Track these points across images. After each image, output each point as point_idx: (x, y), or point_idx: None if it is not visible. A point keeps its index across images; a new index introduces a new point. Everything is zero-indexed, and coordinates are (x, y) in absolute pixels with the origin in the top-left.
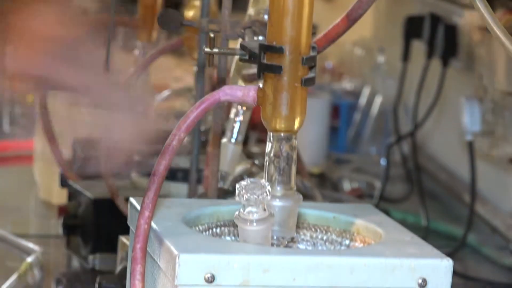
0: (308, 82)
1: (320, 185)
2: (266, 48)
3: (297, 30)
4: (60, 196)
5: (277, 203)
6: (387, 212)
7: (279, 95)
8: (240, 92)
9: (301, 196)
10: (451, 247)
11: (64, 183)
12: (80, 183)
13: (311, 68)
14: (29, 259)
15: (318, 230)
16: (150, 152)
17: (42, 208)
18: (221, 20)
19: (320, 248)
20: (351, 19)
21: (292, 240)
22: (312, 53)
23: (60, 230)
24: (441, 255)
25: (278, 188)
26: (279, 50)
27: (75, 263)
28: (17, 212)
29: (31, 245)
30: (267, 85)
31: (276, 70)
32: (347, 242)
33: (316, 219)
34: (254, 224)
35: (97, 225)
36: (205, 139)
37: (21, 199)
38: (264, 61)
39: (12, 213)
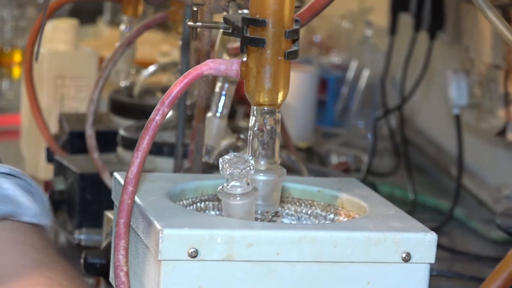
0: (291, 55)
1: (307, 159)
2: (248, 22)
3: (279, 3)
4: (47, 171)
5: (260, 177)
6: (374, 186)
7: (262, 68)
8: (223, 66)
9: (285, 170)
10: (438, 220)
11: (50, 158)
12: (66, 158)
13: (294, 41)
14: None
15: (303, 204)
16: (137, 127)
17: None
18: None
19: (304, 222)
20: None
21: (276, 214)
22: (295, 26)
23: None
24: (425, 229)
25: (262, 162)
26: (261, 23)
27: (62, 238)
28: None
29: None
30: (250, 58)
31: (259, 43)
32: (332, 216)
33: (300, 193)
34: (238, 198)
35: (83, 200)
36: (190, 113)
37: None
38: (247, 35)
39: None
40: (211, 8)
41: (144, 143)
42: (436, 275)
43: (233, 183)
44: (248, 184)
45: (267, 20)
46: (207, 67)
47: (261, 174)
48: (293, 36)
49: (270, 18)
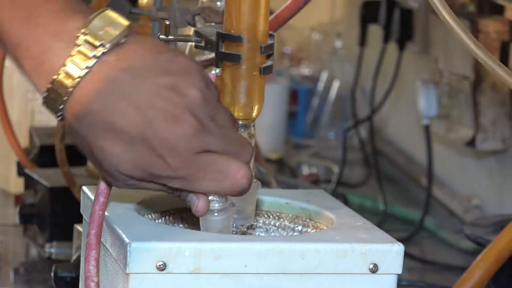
0: (266, 71)
1: (278, 170)
2: (224, 37)
3: (254, 18)
4: (17, 185)
5: None
6: (344, 197)
7: (238, 83)
8: None
9: (259, 184)
10: (409, 230)
11: (21, 171)
12: (36, 171)
13: (269, 56)
14: None
15: (271, 216)
16: None
17: None
18: (170, 8)
19: (272, 234)
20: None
21: (251, 227)
22: (269, 41)
23: (17, 219)
24: (392, 240)
25: None
26: (237, 39)
27: (33, 251)
28: None
29: None
30: (225, 73)
31: (235, 59)
32: (300, 228)
33: (269, 206)
34: (215, 214)
35: (53, 214)
36: None
37: None
38: (222, 50)
39: None
40: (177, 22)
41: None
42: (406, 285)
43: (211, 197)
44: (226, 199)
45: (242, 35)
46: None
47: None
48: (268, 51)
49: (245, 33)
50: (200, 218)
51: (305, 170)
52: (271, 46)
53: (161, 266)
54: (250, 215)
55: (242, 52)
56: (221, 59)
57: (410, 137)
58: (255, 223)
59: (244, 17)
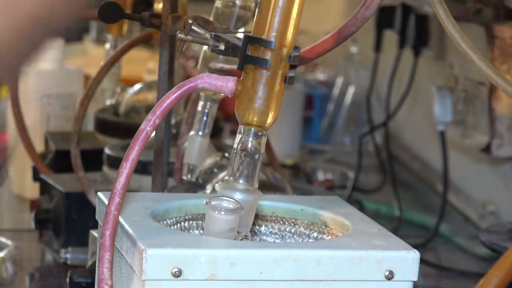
0: (291, 80)
1: (293, 176)
2: (253, 40)
3: (285, 25)
4: (33, 190)
5: (237, 196)
6: (360, 203)
7: (259, 89)
8: (219, 82)
9: (261, 194)
10: (424, 236)
11: (36, 177)
12: (52, 177)
13: (292, 66)
14: (2, 254)
15: (286, 222)
16: (123, 146)
17: (15, 202)
18: (162, 14)
19: (288, 240)
20: (341, 36)
21: (246, 237)
22: (295, 53)
23: (32, 224)
24: (408, 247)
25: (240, 182)
26: (268, 44)
27: (48, 257)
28: None
29: (3, 239)
30: (248, 78)
31: (263, 63)
32: (315, 234)
33: (284, 212)
34: (222, 212)
35: (68, 219)
36: (176, 131)
37: None
38: (249, 53)
39: None
40: (169, 29)
41: (133, 154)
42: None
43: (222, 197)
44: (237, 202)
45: (273, 41)
46: (202, 80)
47: (238, 193)
48: (296, 62)
49: (275, 39)
50: (206, 215)
51: (321, 176)
52: (297, 57)
53: (177, 272)
54: (247, 224)
55: (270, 58)
56: (247, 63)
57: (426, 143)
58: (271, 229)
59: (276, 23)
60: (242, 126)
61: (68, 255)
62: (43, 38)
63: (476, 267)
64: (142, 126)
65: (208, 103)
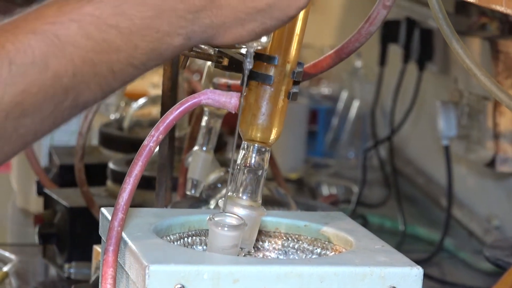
0: (294, 96)
1: (298, 190)
2: (257, 57)
3: (288, 42)
4: (37, 204)
5: (240, 212)
6: (364, 217)
7: (263, 105)
8: (223, 98)
9: (265, 210)
10: (428, 251)
11: (41, 191)
12: (56, 191)
13: (295, 82)
14: (6, 268)
15: (290, 238)
16: (127, 161)
17: (19, 216)
18: None
19: (291, 256)
20: (345, 52)
21: (249, 253)
22: (299, 69)
23: (36, 239)
24: (411, 263)
25: (244, 198)
26: (272, 60)
27: (52, 271)
28: None
29: (7, 254)
30: (251, 94)
31: (266, 79)
32: (319, 250)
33: (287, 228)
34: (226, 229)
35: (72, 234)
36: (179, 146)
37: None
38: (252, 69)
39: None
40: None
41: (137, 169)
42: None
43: (224, 213)
44: (240, 218)
45: (276, 57)
46: (206, 96)
47: (241, 209)
48: (299, 77)
49: (278, 56)
50: (209, 231)
51: (325, 190)
52: (301, 73)
53: None
54: (251, 240)
55: (273, 74)
56: (251, 79)
57: (430, 157)
58: (274, 245)
59: (280, 40)
60: (246, 142)
61: (72, 270)
62: (66, 108)
63: (480, 283)
64: (145, 142)
65: (212, 119)
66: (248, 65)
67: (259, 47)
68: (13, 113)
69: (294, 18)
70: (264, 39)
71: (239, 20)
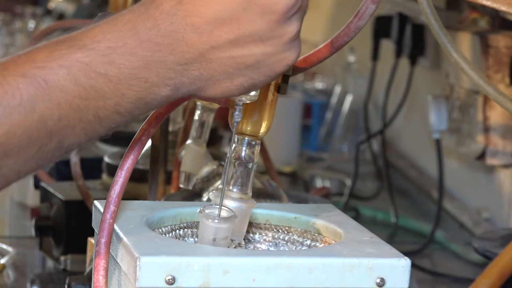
0: (283, 90)
1: (292, 183)
2: None
3: None
4: (34, 198)
5: (231, 204)
6: (356, 210)
7: None
8: None
9: (255, 203)
10: (420, 243)
11: (37, 184)
12: (52, 185)
13: (285, 76)
14: (3, 261)
15: (280, 230)
16: (122, 154)
17: (17, 210)
18: None
19: (282, 248)
20: (335, 46)
21: (239, 245)
22: None
23: (33, 232)
24: (399, 255)
25: (235, 190)
26: None
27: (49, 263)
28: None
29: (5, 246)
30: None
31: None
32: (308, 242)
33: (278, 220)
34: (216, 221)
35: (68, 227)
36: (173, 140)
37: None
38: None
39: None
40: None
41: (128, 163)
42: None
43: (215, 205)
44: (230, 210)
45: None
46: None
47: (232, 201)
48: (289, 72)
49: None
50: (200, 223)
51: (318, 183)
52: (290, 67)
53: (170, 280)
54: (241, 232)
55: None
56: None
57: (422, 150)
58: (265, 237)
59: None
60: (236, 136)
61: (68, 262)
62: (50, 150)
63: (471, 273)
64: (137, 136)
65: (205, 113)
66: (237, 117)
67: (247, 101)
68: None
69: (282, 74)
70: (252, 92)
71: (228, 74)
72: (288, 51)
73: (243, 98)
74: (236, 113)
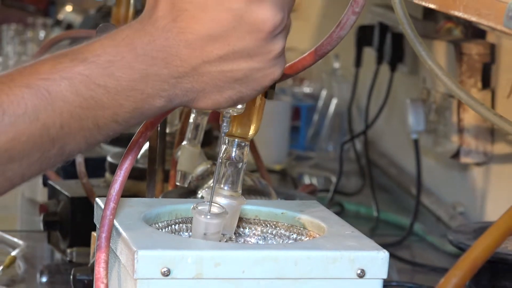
0: (270, 95)
1: (281, 180)
2: None
3: None
4: (43, 195)
5: (222, 201)
6: (341, 205)
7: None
8: None
9: (245, 200)
10: (400, 235)
11: (46, 182)
12: (59, 183)
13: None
14: (14, 253)
15: (268, 225)
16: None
17: (27, 206)
18: None
19: (270, 242)
20: (318, 54)
21: (230, 239)
22: None
23: (41, 226)
24: (378, 247)
25: (225, 188)
26: None
27: (57, 255)
28: (5, 209)
29: (16, 239)
30: None
31: None
32: (294, 236)
33: (266, 215)
34: (208, 217)
35: (74, 222)
36: (171, 141)
37: (9, 198)
38: None
39: (0, 210)
40: None
41: (127, 163)
42: (397, 285)
43: (207, 202)
44: (221, 207)
45: None
46: None
47: (223, 198)
48: None
49: None
50: (193, 219)
51: (306, 180)
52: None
53: (166, 272)
54: (231, 227)
55: None
56: None
57: (401, 150)
58: (254, 231)
59: None
60: (226, 137)
61: (73, 254)
62: (52, 156)
63: (446, 263)
64: (134, 138)
65: (200, 115)
66: (225, 128)
67: (234, 113)
68: (1, 158)
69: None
70: (239, 106)
71: (218, 87)
72: (274, 67)
73: (230, 110)
74: (224, 124)
